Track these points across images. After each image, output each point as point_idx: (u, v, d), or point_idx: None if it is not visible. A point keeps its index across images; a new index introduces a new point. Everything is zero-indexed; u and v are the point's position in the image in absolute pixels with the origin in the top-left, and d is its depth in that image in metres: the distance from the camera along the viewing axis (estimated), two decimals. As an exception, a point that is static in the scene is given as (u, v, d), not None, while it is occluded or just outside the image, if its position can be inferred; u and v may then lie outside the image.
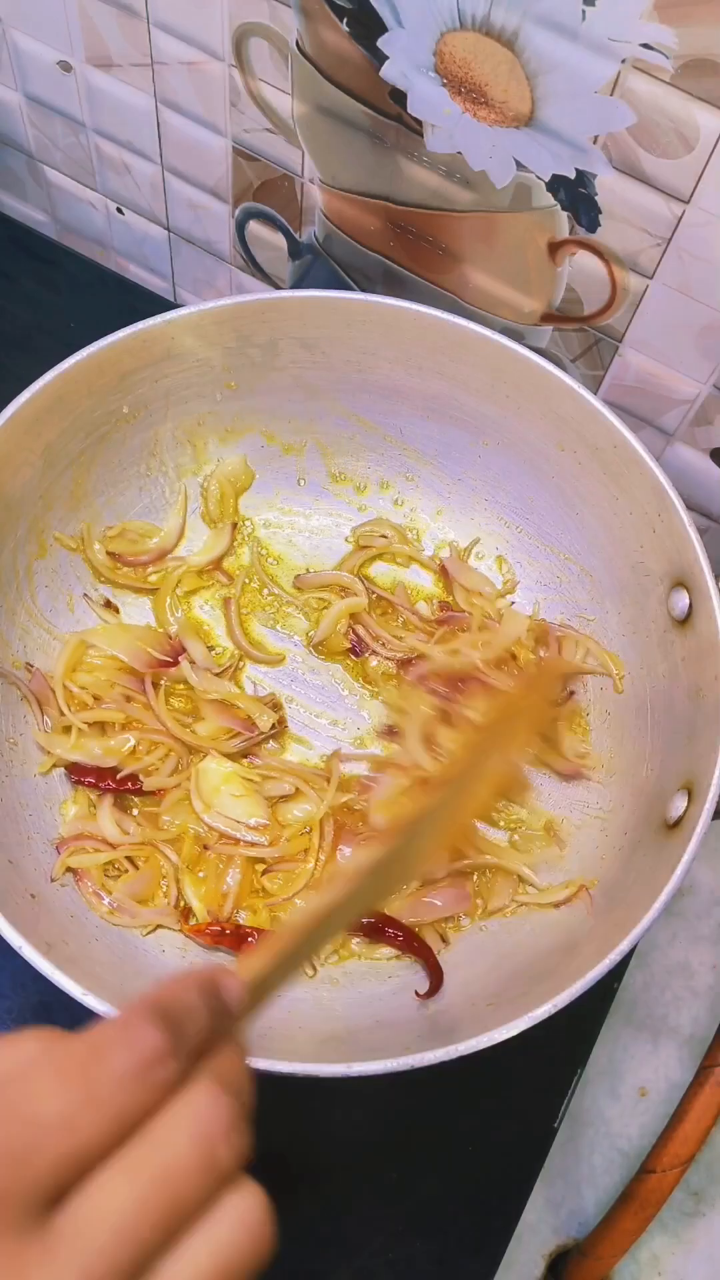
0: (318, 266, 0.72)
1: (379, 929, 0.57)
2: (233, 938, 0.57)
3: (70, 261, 0.82)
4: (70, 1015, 0.44)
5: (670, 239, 0.55)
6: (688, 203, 0.53)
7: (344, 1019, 0.55)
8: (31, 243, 0.82)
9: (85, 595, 0.65)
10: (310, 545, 0.69)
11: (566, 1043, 0.61)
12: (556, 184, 0.56)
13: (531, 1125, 0.59)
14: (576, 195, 0.56)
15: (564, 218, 0.58)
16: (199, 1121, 0.27)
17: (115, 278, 0.82)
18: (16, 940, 0.47)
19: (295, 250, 0.72)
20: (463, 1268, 0.57)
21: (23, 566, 0.61)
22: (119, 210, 0.78)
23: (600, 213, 0.56)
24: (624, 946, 0.47)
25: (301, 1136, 0.59)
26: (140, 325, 0.59)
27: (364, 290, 0.69)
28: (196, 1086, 0.27)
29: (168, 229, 0.77)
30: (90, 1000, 0.46)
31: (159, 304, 0.81)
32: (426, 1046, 0.46)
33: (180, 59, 0.63)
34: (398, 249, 0.66)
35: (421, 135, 0.58)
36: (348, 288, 0.71)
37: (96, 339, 0.58)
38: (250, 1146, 0.28)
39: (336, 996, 0.57)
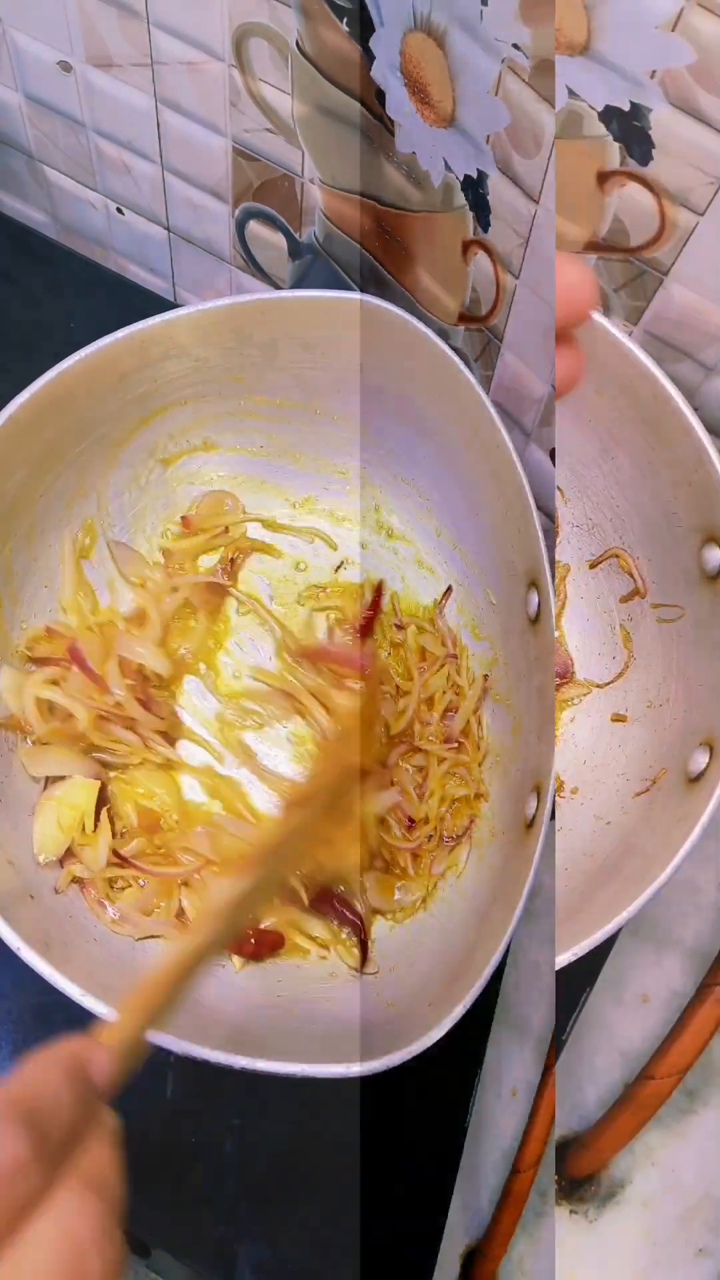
0: (318, 266, 0.72)
1: (328, 902, 0.59)
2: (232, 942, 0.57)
3: (70, 261, 0.82)
4: (68, 1016, 0.44)
5: None
6: None
7: (340, 1019, 0.55)
8: (31, 243, 0.82)
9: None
10: (303, 550, 0.70)
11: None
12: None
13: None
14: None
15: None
16: (65, 1235, 0.24)
17: (115, 278, 0.82)
18: (15, 942, 0.47)
19: (295, 250, 0.72)
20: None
21: (21, 568, 0.61)
22: (119, 210, 0.78)
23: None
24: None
25: (303, 1137, 0.59)
26: (140, 325, 0.59)
27: (364, 290, 0.69)
28: (62, 1193, 0.25)
29: (168, 229, 0.77)
30: (89, 1001, 0.46)
31: (159, 304, 0.81)
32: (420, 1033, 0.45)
33: (180, 59, 0.63)
34: (380, 249, 0.66)
35: (394, 135, 0.58)
36: (348, 288, 0.71)
37: (96, 339, 0.58)
38: (122, 1249, 0.26)
39: (334, 991, 0.57)
